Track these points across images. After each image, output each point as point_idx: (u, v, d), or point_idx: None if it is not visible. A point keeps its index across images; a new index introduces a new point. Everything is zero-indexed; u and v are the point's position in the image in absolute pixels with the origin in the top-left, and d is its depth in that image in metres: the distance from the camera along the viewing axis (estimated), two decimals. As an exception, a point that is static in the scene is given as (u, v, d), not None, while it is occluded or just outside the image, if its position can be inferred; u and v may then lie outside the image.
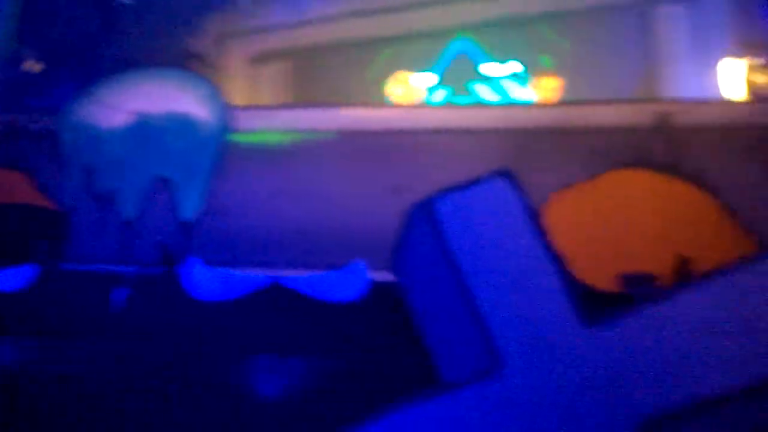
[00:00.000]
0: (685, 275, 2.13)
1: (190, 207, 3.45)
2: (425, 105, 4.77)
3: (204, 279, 2.52)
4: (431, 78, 5.80)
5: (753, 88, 4.31)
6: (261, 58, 6.16)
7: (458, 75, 5.88)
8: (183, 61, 5.55)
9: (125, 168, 3.64)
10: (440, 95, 5.80)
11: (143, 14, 5.56)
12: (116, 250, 3.26)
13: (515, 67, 5.72)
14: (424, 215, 2.08)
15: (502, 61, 5.75)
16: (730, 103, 4.23)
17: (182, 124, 3.71)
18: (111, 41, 5.36)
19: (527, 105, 4.71)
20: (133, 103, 3.76)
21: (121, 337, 2.35)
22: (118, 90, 3.87)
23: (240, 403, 2.38)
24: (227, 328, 2.46)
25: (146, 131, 3.72)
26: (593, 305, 1.94)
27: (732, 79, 4.52)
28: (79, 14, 5.38)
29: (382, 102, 5.82)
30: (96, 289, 2.50)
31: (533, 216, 2.05)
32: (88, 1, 5.46)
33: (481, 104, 4.83)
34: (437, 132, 3.67)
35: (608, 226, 2.94)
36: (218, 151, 3.60)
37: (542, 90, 4.40)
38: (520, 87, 5.61)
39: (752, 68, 4.34)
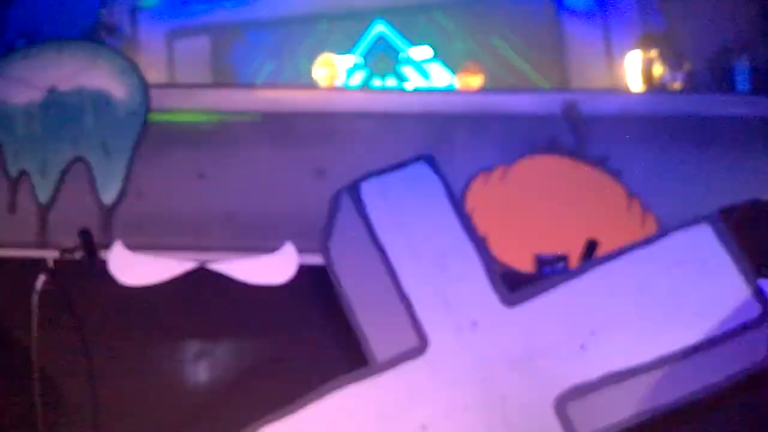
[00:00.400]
0: (591, 255, 2.30)
1: (109, 189, 3.34)
2: (346, 88, 4.81)
3: (129, 263, 2.47)
4: (353, 59, 5.82)
5: (650, 80, 4.63)
6: (177, 33, 5.97)
7: (380, 58, 5.93)
8: (95, 33, 5.30)
9: (37, 147, 3.47)
10: (359, 77, 5.84)
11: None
12: (32, 235, 3.12)
13: (427, 51, 5.84)
14: (350, 199, 2.14)
15: (419, 44, 5.86)
16: (630, 94, 4.53)
17: (97, 101, 3.56)
18: (17, 11, 5.04)
19: (446, 91, 4.84)
20: (43, 78, 3.57)
21: (45, 324, 2.28)
22: (27, 64, 3.66)
23: (170, 389, 2.38)
24: (154, 313, 2.44)
25: (58, 108, 3.55)
26: (512, 285, 2.07)
27: (634, 70, 4.83)
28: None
29: (302, 83, 5.80)
30: (16, 275, 2.40)
31: (454, 199, 2.16)
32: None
33: (402, 89, 4.93)
34: (359, 116, 3.73)
35: (524, 208, 3.11)
36: (137, 130, 3.49)
37: (465, 84, 4.57)
38: (438, 71, 5.74)
39: (650, 60, 4.66)
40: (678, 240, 1.94)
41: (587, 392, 1.89)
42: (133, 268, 2.45)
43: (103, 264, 2.48)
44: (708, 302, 1.86)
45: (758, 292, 1.85)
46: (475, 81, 4.65)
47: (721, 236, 1.91)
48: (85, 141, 3.49)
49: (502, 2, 5.89)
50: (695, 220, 1.95)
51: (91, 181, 3.35)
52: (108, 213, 3.26)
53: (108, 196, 3.34)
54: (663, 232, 2.02)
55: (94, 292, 2.45)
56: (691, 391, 1.89)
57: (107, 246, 2.60)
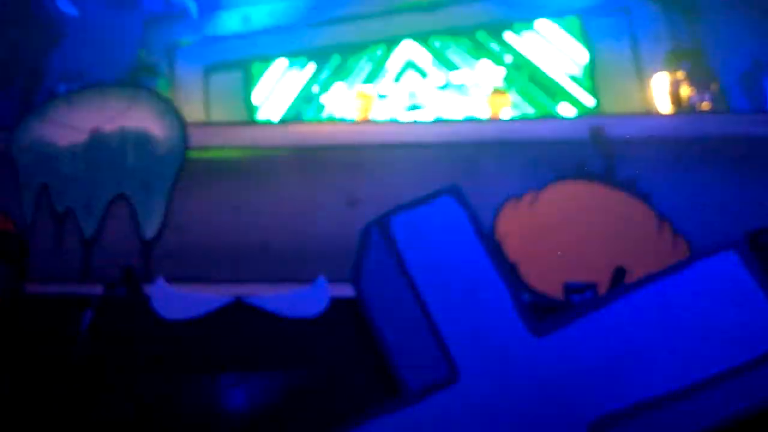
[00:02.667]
0: (619, 283, 2.30)
1: (150, 224, 3.48)
2: (376, 121, 4.91)
3: (169, 299, 2.58)
4: (384, 87, 5.93)
5: (679, 101, 4.60)
6: (213, 69, 6.17)
7: (410, 84, 6.03)
8: (135, 73, 5.52)
9: (81, 186, 3.64)
10: (392, 104, 5.94)
11: (90, 26, 5.51)
12: (77, 269, 3.26)
13: (464, 75, 5.91)
14: (379, 233, 2.20)
15: (449, 68, 5.94)
16: (657, 116, 4.51)
17: (137, 140, 3.73)
18: (58, 56, 5.29)
19: (474, 120, 4.90)
20: (86, 121, 3.75)
21: (91, 359, 2.39)
22: (70, 108, 3.86)
23: (206, 420, 2.45)
24: (193, 346, 2.52)
25: (101, 148, 3.72)
26: (541, 313, 2.09)
27: (662, 92, 4.81)
28: (24, 27, 5.29)
29: (332, 112, 5.93)
30: (61, 312, 2.52)
31: (481, 231, 2.19)
32: (33, 14, 5.37)
33: (428, 121, 5.02)
34: (388, 147, 3.80)
35: (553, 235, 3.12)
36: (176, 167, 3.63)
37: (494, 106, 4.62)
38: (466, 97, 5.80)
39: (678, 81, 4.63)
40: (704, 267, 1.94)
41: (618, 420, 1.89)
42: (174, 303, 2.55)
43: (145, 299, 2.58)
44: (736, 329, 1.86)
45: (788, 319, 1.84)
46: (504, 102, 4.69)
47: (747, 262, 1.91)
48: (127, 179, 3.65)
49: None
50: (721, 247, 1.95)
51: (133, 217, 3.49)
52: (148, 247, 3.39)
53: (149, 231, 3.48)
54: (689, 260, 2.02)
55: (137, 327, 2.55)
56: (722, 417, 1.88)
57: (148, 278, 2.71)
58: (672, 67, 4.89)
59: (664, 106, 4.78)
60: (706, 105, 4.55)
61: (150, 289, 2.66)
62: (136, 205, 3.56)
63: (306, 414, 2.35)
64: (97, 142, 3.70)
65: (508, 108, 4.67)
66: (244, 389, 2.51)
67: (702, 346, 1.88)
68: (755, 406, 1.88)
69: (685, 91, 4.56)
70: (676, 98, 4.63)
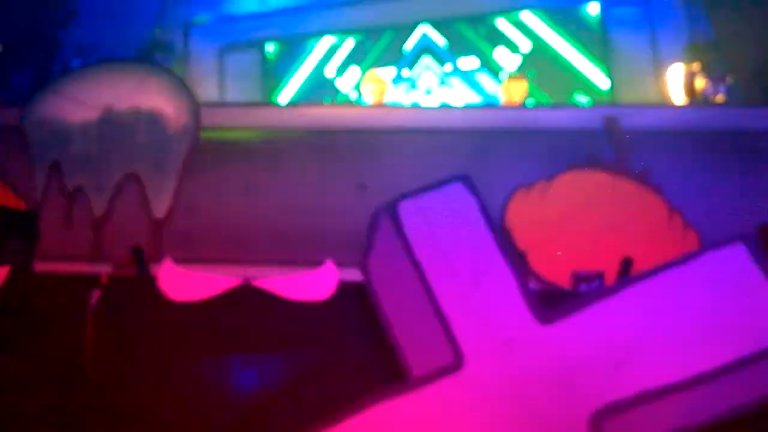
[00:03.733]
0: (627, 273, 2.30)
1: (159, 204, 3.49)
2: (389, 105, 4.89)
3: (178, 280, 2.59)
4: (399, 72, 5.91)
5: (693, 92, 4.55)
6: (229, 49, 6.17)
7: (425, 69, 6.00)
8: (149, 50, 5.52)
9: (92, 164, 3.65)
10: (406, 89, 5.92)
11: (106, 2, 5.50)
12: (86, 248, 3.29)
13: (480, 62, 5.87)
14: (388, 218, 2.20)
15: (464, 55, 5.90)
16: (671, 107, 4.47)
17: (149, 119, 3.73)
18: (74, 30, 5.30)
19: (487, 107, 4.87)
20: (98, 98, 3.75)
21: (99, 339, 2.41)
22: (83, 84, 3.86)
23: (213, 402, 2.47)
24: (201, 327, 2.54)
25: (112, 126, 3.72)
26: (549, 302, 2.09)
27: (677, 83, 4.76)
28: (40, 0, 5.29)
29: (347, 95, 5.91)
30: (70, 290, 2.54)
31: (489, 219, 2.19)
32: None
33: (443, 106, 4.99)
34: (401, 131, 3.79)
35: (563, 224, 3.10)
36: (188, 147, 3.63)
37: (509, 92, 4.59)
38: (491, 81, 5.77)
39: (693, 73, 4.59)
40: (712, 259, 1.94)
41: (622, 409, 1.89)
42: (183, 284, 2.57)
43: (154, 280, 2.60)
44: (742, 321, 1.85)
45: (796, 313, 1.83)
46: (521, 88, 4.64)
47: (755, 255, 1.90)
48: (138, 157, 3.65)
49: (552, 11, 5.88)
50: (730, 240, 1.94)
51: (143, 197, 3.50)
52: (158, 227, 3.41)
53: (159, 211, 3.49)
54: (698, 252, 2.01)
55: (145, 307, 2.57)
56: (727, 409, 1.88)
57: (157, 258, 2.72)
58: (688, 59, 4.84)
59: (678, 97, 4.74)
60: (720, 98, 4.50)
61: (158, 270, 2.67)
62: (147, 184, 3.57)
63: (312, 397, 2.37)
64: (109, 119, 3.70)
65: (525, 94, 4.63)
66: (251, 371, 2.53)
67: (708, 337, 1.87)
68: (760, 398, 1.88)
69: (700, 83, 4.51)
70: (690, 90, 4.58)
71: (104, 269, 2.62)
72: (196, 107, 3.71)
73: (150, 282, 2.57)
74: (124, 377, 2.40)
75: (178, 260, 2.77)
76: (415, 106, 5.05)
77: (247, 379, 2.54)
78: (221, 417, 2.45)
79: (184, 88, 3.79)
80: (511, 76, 5.04)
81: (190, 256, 2.98)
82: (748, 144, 3.49)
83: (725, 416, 1.89)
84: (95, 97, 3.74)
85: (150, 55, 5.56)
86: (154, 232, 3.33)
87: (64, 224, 3.48)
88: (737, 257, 1.91)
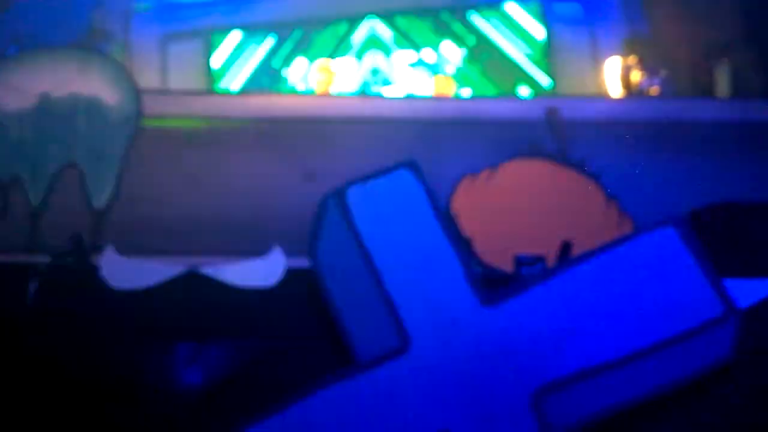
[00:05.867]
0: (566, 256, 2.38)
1: (100, 194, 3.41)
2: (337, 95, 4.90)
3: (120, 268, 2.54)
4: (348, 62, 5.90)
5: (629, 85, 4.74)
6: (171, 37, 6.03)
7: (371, 60, 6.02)
8: (88, 38, 5.36)
9: (29, 153, 3.53)
10: (358, 80, 5.93)
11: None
12: (23, 240, 3.18)
13: (427, 54, 5.93)
14: (336, 204, 2.21)
15: (415, 49, 5.95)
16: (609, 100, 4.64)
17: (89, 107, 3.62)
18: (9, 16, 5.09)
19: (434, 98, 4.93)
20: (35, 85, 3.62)
21: (37, 329, 2.35)
22: (20, 71, 3.72)
23: (160, 392, 2.44)
24: (144, 317, 2.51)
25: (50, 114, 3.60)
26: (493, 286, 2.15)
27: (614, 76, 4.95)
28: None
29: (293, 85, 5.87)
30: (8, 280, 2.46)
31: (436, 205, 2.23)
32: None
33: (389, 96, 5.02)
34: (349, 121, 3.81)
35: (507, 211, 3.20)
36: (129, 135, 3.56)
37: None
38: (429, 75, 5.83)
39: (629, 66, 4.78)
40: (644, 242, 2.03)
41: (562, 387, 1.96)
42: (124, 272, 2.52)
43: (94, 268, 2.54)
44: (673, 301, 1.95)
45: (722, 292, 1.93)
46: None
47: (685, 238, 1.99)
48: (77, 146, 3.55)
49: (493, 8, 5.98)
50: (661, 223, 2.03)
51: (83, 186, 3.41)
52: (99, 218, 3.33)
53: (99, 201, 3.41)
54: (630, 235, 2.10)
55: (85, 297, 2.52)
56: (657, 385, 1.98)
57: (99, 250, 2.66)
58: (625, 52, 5.02)
59: (615, 90, 4.92)
60: (654, 90, 4.70)
61: (99, 259, 2.62)
62: (87, 173, 3.48)
63: (260, 384, 2.37)
64: (47, 107, 3.59)
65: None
66: (197, 361, 2.51)
67: (641, 317, 1.97)
68: (689, 375, 1.99)
69: (636, 76, 4.70)
70: (627, 83, 4.77)
71: (42, 260, 2.55)
72: (137, 95, 3.63)
73: (90, 271, 2.51)
74: (65, 369, 2.34)
75: (121, 252, 2.72)
76: (362, 95, 5.07)
77: (193, 368, 2.51)
78: (167, 407, 2.42)
79: (124, 75, 3.71)
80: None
81: (133, 246, 2.93)
82: (680, 134, 3.66)
83: (658, 391, 1.99)
84: (32, 85, 3.62)
85: (89, 43, 5.39)
86: (95, 222, 3.26)
87: (0, 215, 3.36)
88: (668, 240, 2.00)
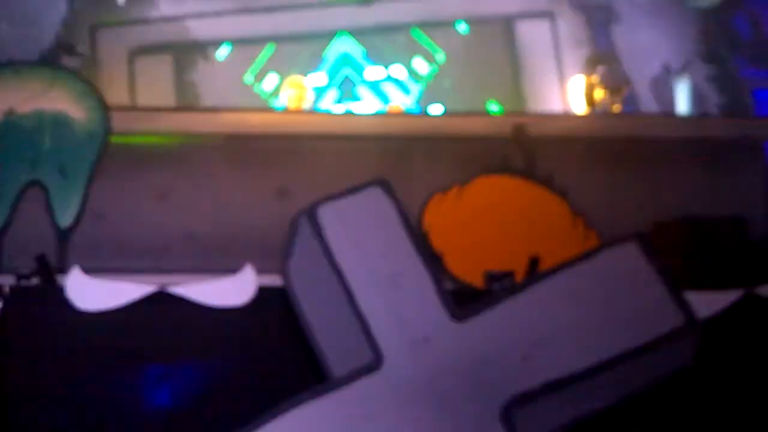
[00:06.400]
0: (534, 271, 2.43)
1: (67, 212, 3.36)
2: (309, 111, 4.91)
3: (87, 289, 2.50)
4: (321, 79, 5.93)
5: (593, 102, 4.88)
6: (139, 52, 5.99)
7: (343, 77, 6.06)
8: (54, 53, 5.29)
9: (-7, 170, 3.46)
10: (330, 96, 5.95)
11: (10, 2, 5.23)
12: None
13: (397, 71, 5.99)
14: (308, 222, 2.22)
15: (384, 66, 6.01)
16: (574, 116, 4.76)
17: (55, 123, 3.58)
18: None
19: (404, 114, 4.98)
20: (0, 101, 3.57)
21: (2, 351, 2.30)
22: (-17, 86, 3.65)
23: (131, 413, 2.41)
24: (114, 337, 2.47)
25: (15, 131, 3.55)
26: (464, 301, 2.18)
27: (578, 93, 5.08)
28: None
29: (266, 101, 5.88)
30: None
31: (407, 221, 2.26)
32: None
33: (362, 113, 5.06)
34: (320, 137, 3.83)
35: (477, 226, 3.24)
36: (96, 152, 3.51)
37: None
38: (400, 92, 5.89)
39: (592, 84, 4.91)
40: (608, 256, 2.09)
41: (531, 399, 2.00)
42: (91, 293, 2.49)
43: (60, 289, 2.50)
44: (636, 313, 2.01)
45: (682, 303, 2.00)
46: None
47: (646, 251, 2.06)
48: (42, 164, 3.50)
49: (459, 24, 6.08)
50: (623, 238, 2.10)
51: (48, 205, 3.36)
52: (65, 237, 3.27)
53: (65, 220, 3.36)
54: (595, 250, 2.16)
55: (51, 318, 2.47)
56: (621, 394, 2.03)
57: (64, 270, 2.62)
58: (589, 70, 5.16)
59: (579, 107, 5.05)
60: (617, 107, 4.84)
61: (65, 279, 2.57)
62: (52, 191, 3.42)
63: (232, 403, 2.35)
64: (12, 123, 3.53)
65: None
66: (167, 381, 2.48)
67: (605, 329, 2.02)
68: (651, 383, 2.04)
69: (599, 93, 4.83)
70: (590, 100, 4.90)
71: (6, 280, 2.50)
72: (104, 111, 3.59)
73: (56, 292, 2.47)
74: (31, 391, 2.30)
75: (88, 271, 2.68)
76: (334, 113, 5.09)
77: (163, 389, 2.48)
78: (142, 429, 2.39)
79: (91, 91, 3.67)
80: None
81: (101, 265, 2.89)
82: (642, 150, 3.77)
83: (622, 400, 2.04)
84: (-4, 101, 3.56)
85: (56, 58, 5.32)
86: (60, 241, 3.20)
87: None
88: (630, 253, 2.07)
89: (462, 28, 6.08)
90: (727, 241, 3.29)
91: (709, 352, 2.09)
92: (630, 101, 5.06)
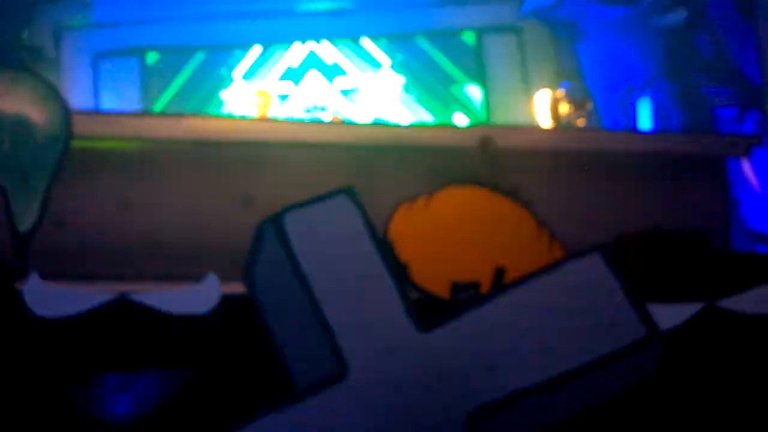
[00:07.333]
0: (500, 282, 2.44)
1: (26, 216, 3.27)
2: (275, 119, 4.89)
3: (45, 295, 2.43)
4: (286, 87, 5.92)
5: (557, 116, 4.98)
6: (104, 55, 5.90)
7: (311, 86, 6.05)
8: (17, 54, 5.17)
9: (-51, 174, 3.35)
10: (293, 104, 5.93)
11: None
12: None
13: (365, 80, 6.01)
14: (273, 230, 2.20)
15: (352, 75, 6.02)
16: (540, 130, 4.85)
17: (15, 126, 3.48)
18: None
19: (371, 124, 5.00)
20: (-43, 102, 3.46)
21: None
22: (-60, 87, 3.54)
23: (89, 422, 2.34)
24: (71, 345, 2.40)
25: (-28, 134, 3.44)
26: (430, 311, 2.18)
27: (543, 108, 5.18)
28: None
29: (226, 107, 5.83)
30: None
31: (373, 230, 2.26)
32: None
33: (327, 121, 5.06)
34: (287, 145, 3.81)
35: (444, 237, 3.24)
36: (57, 156, 3.43)
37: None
38: (366, 102, 5.91)
39: (557, 99, 5.02)
40: (572, 267, 2.11)
41: (495, 409, 2.00)
42: (50, 299, 2.42)
43: (18, 295, 2.43)
44: (600, 324, 2.03)
45: (645, 315, 2.03)
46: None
47: (610, 263, 2.09)
48: (2, 167, 3.40)
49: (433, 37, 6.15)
50: (587, 250, 2.13)
51: (7, 208, 3.27)
52: (24, 242, 3.19)
53: (24, 224, 3.27)
54: (559, 261, 2.18)
55: (8, 325, 2.40)
56: (584, 404, 2.05)
57: (23, 275, 2.54)
58: (554, 85, 5.27)
59: (545, 121, 5.14)
60: (581, 122, 4.94)
61: (23, 285, 2.50)
62: (10, 195, 3.33)
63: (195, 413, 2.30)
64: (-31, 126, 3.43)
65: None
66: (128, 391, 2.42)
67: (570, 339, 2.04)
68: (613, 393, 2.07)
69: (564, 108, 4.93)
70: (555, 114, 4.99)
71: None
72: (67, 114, 3.52)
73: (14, 298, 2.39)
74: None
75: (47, 277, 2.61)
76: (300, 121, 5.08)
77: (123, 398, 2.42)
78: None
79: (53, 93, 3.59)
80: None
81: (61, 272, 2.82)
82: (605, 163, 3.84)
83: (583, 410, 2.06)
84: (-48, 102, 3.45)
85: (17, 60, 5.20)
86: (19, 246, 3.11)
87: None
88: (594, 265, 2.09)
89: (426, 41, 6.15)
90: (689, 254, 3.36)
91: (671, 364, 2.12)
92: (594, 116, 5.16)
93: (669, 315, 2.65)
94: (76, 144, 3.44)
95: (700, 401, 2.82)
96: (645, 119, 5.44)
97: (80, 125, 3.49)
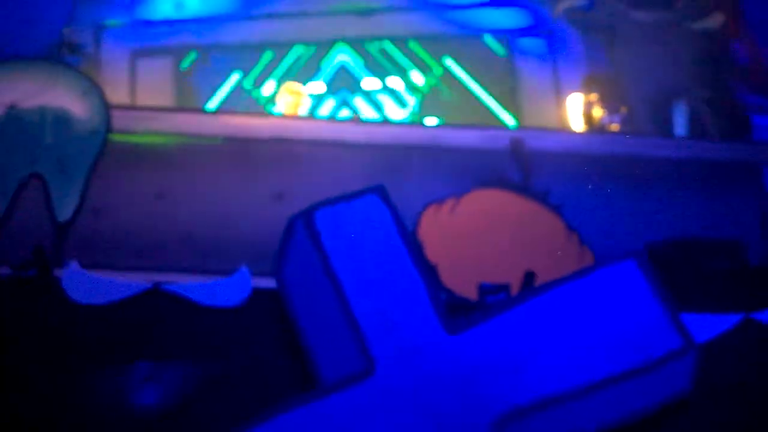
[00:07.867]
0: (530, 286, 2.44)
1: (65, 207, 3.36)
2: (308, 117, 4.94)
3: (82, 282, 2.50)
4: (318, 87, 5.96)
5: (591, 121, 4.93)
6: (141, 53, 6.02)
7: (340, 86, 6.09)
8: (58, 51, 5.30)
9: (-6, 163, 3.46)
10: (327, 105, 5.97)
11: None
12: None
13: (394, 82, 6.02)
14: (304, 226, 2.22)
15: (381, 77, 6.04)
16: (571, 133, 4.81)
17: (57, 119, 3.58)
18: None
19: (402, 124, 5.01)
20: (3, 96, 3.58)
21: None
22: (-12, 81, 3.65)
23: (118, 411, 2.40)
24: (104, 332, 2.47)
25: (17, 125, 3.55)
26: (457, 313, 2.18)
27: (576, 111, 5.13)
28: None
29: (262, 106, 5.90)
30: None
31: (403, 230, 2.26)
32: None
33: (361, 120, 5.08)
34: (319, 143, 3.84)
35: (471, 239, 3.26)
36: (96, 149, 3.52)
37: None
38: (396, 103, 5.92)
39: (590, 103, 4.96)
40: (606, 274, 2.09)
41: (521, 415, 2.00)
42: (87, 286, 2.49)
43: (56, 281, 2.50)
44: (632, 333, 2.00)
45: (680, 326, 2.00)
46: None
47: (645, 271, 2.06)
48: (43, 158, 3.50)
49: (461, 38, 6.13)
50: (622, 256, 2.10)
51: (47, 199, 3.36)
52: (63, 231, 3.28)
53: (63, 214, 3.36)
54: (593, 267, 2.16)
55: (46, 310, 2.47)
56: (617, 416, 2.02)
57: (61, 264, 2.62)
58: (587, 89, 5.21)
59: (577, 125, 5.09)
60: (615, 126, 4.88)
61: (62, 272, 2.57)
62: (51, 186, 3.43)
63: (222, 405, 2.34)
64: (14, 118, 3.54)
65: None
66: (158, 379, 2.48)
67: (600, 348, 2.01)
68: (648, 408, 2.04)
69: (597, 112, 4.88)
70: (588, 118, 4.94)
71: (3, 271, 2.50)
72: (106, 109, 3.61)
73: (52, 284, 2.47)
74: (24, 384, 2.29)
75: (84, 266, 2.68)
76: (332, 119, 5.12)
77: (150, 387, 2.48)
78: (127, 427, 2.38)
79: (93, 89, 3.68)
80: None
81: (97, 262, 2.89)
82: (639, 169, 3.80)
83: (617, 423, 2.03)
84: (0, 96, 3.56)
85: (58, 56, 5.33)
86: (58, 235, 3.20)
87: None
88: (628, 273, 2.06)
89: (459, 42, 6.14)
90: (722, 265, 3.31)
91: (706, 378, 2.08)
92: (628, 121, 5.10)
93: (701, 327, 2.60)
94: (116, 138, 3.52)
95: (736, 416, 2.76)
96: (680, 125, 5.36)
97: (118, 120, 3.57)
